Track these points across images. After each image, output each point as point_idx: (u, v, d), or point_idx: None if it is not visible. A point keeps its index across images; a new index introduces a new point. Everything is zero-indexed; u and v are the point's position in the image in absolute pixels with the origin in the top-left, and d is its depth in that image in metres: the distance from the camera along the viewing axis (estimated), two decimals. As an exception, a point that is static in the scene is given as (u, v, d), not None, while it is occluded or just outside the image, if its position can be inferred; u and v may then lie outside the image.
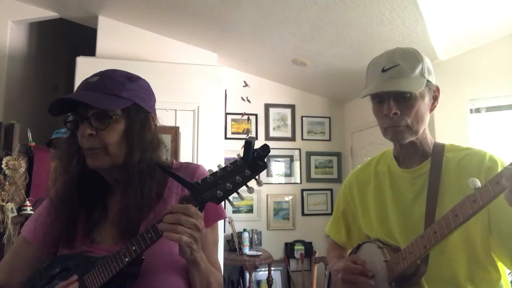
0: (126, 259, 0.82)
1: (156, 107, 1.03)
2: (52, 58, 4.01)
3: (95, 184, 0.98)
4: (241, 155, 0.78)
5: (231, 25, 2.99)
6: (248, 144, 0.75)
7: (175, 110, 3.12)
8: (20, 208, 2.36)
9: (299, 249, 4.04)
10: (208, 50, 3.52)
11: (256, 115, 4.17)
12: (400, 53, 1.04)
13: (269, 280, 3.48)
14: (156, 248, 0.84)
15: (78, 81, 2.25)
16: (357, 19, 2.57)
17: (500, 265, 1.00)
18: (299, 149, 4.27)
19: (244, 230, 3.71)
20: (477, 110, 2.90)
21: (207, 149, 3.17)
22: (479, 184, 0.77)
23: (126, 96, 0.92)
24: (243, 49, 3.48)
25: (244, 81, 4.11)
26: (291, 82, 4.17)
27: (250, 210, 4.03)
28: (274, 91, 4.25)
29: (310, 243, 4.09)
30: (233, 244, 3.66)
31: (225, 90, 3.59)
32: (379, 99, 1.05)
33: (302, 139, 4.30)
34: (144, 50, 3.28)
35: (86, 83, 0.94)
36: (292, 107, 4.30)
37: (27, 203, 2.40)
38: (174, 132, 3.03)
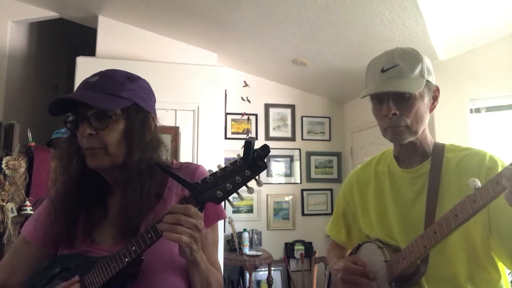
0: (126, 259, 0.82)
1: (156, 107, 1.03)
2: (52, 58, 4.01)
3: (95, 184, 0.98)
4: (241, 155, 0.78)
5: (231, 25, 2.99)
6: (248, 144, 0.75)
7: (175, 110, 3.12)
8: (20, 208, 2.37)
9: (299, 249, 4.04)
10: (208, 50, 3.52)
11: (256, 115, 4.17)
12: (399, 53, 1.04)
13: (269, 280, 3.48)
14: (156, 248, 0.84)
15: (78, 81, 2.25)
16: (357, 19, 2.57)
17: (500, 265, 1.00)
18: (299, 149, 4.26)
19: (244, 230, 3.71)
20: (477, 110, 2.90)
21: (207, 149, 3.17)
22: (479, 184, 0.77)
23: (126, 96, 0.92)
24: (243, 49, 3.48)
25: (244, 81, 4.10)
26: (291, 82, 4.17)
27: (250, 210, 4.03)
28: (274, 91, 4.25)
29: (310, 243, 4.09)
30: (233, 244, 3.66)
31: (225, 90, 3.59)
32: (379, 100, 1.05)
33: (302, 139, 4.29)
34: (144, 50, 3.28)
35: (86, 83, 0.94)
36: (292, 107, 4.30)
37: (27, 203, 2.40)
38: (174, 132, 3.03)
